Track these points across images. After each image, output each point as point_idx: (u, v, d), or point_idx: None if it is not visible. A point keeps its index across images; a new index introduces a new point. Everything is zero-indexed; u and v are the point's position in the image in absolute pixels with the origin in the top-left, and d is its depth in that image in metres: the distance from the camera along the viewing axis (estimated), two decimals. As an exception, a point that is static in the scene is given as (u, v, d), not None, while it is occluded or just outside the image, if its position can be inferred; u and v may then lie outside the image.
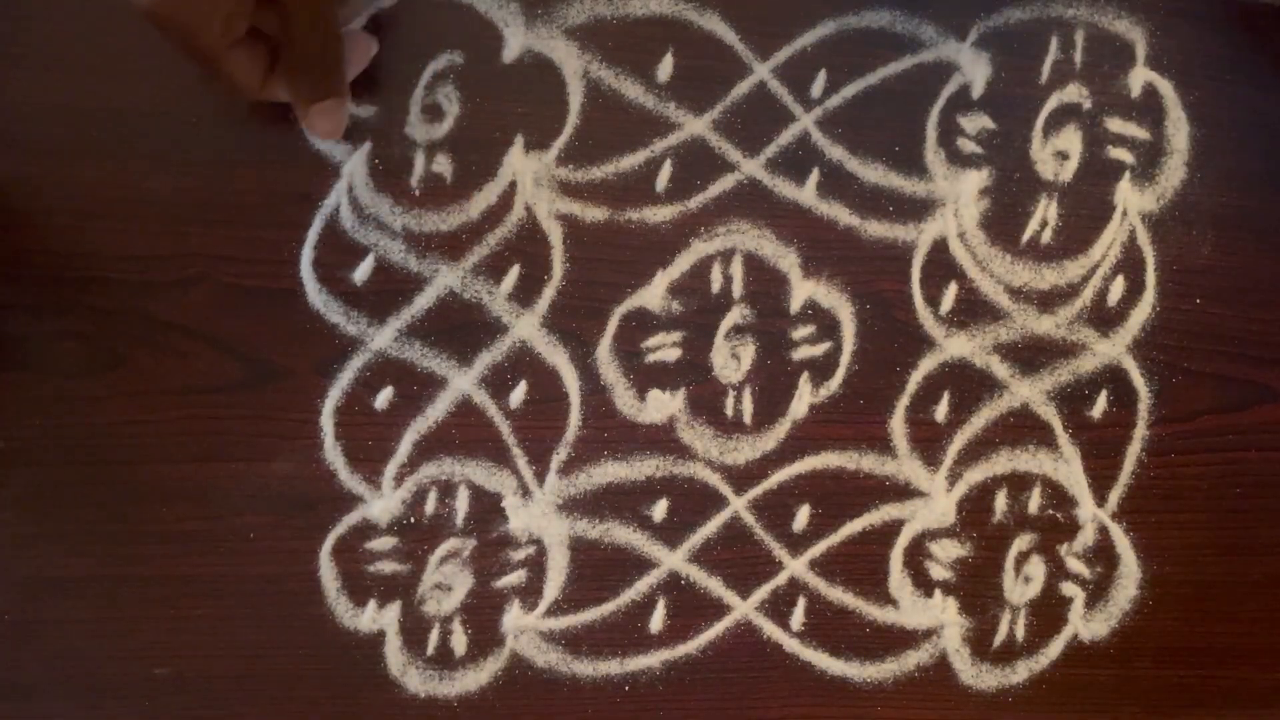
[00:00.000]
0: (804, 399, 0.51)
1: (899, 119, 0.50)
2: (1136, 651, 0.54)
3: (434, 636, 0.49)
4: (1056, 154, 0.51)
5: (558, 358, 0.49)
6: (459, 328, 0.48)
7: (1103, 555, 0.53)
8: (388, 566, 0.49)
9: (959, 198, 0.51)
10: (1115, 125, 0.51)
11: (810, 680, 0.52)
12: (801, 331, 0.51)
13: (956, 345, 0.51)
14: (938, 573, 0.52)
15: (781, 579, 0.51)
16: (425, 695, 0.50)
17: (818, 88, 0.49)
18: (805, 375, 0.51)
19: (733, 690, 0.52)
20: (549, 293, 0.49)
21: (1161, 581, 0.54)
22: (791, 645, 0.52)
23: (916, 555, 0.52)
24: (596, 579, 0.50)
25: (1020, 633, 0.53)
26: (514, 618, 0.50)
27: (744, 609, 0.51)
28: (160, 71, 0.45)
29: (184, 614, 0.48)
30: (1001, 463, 0.52)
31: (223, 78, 0.41)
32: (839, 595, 0.52)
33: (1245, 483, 0.54)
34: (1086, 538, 0.53)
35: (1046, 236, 0.52)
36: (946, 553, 0.52)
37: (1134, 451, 0.53)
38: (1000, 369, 0.52)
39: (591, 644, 0.51)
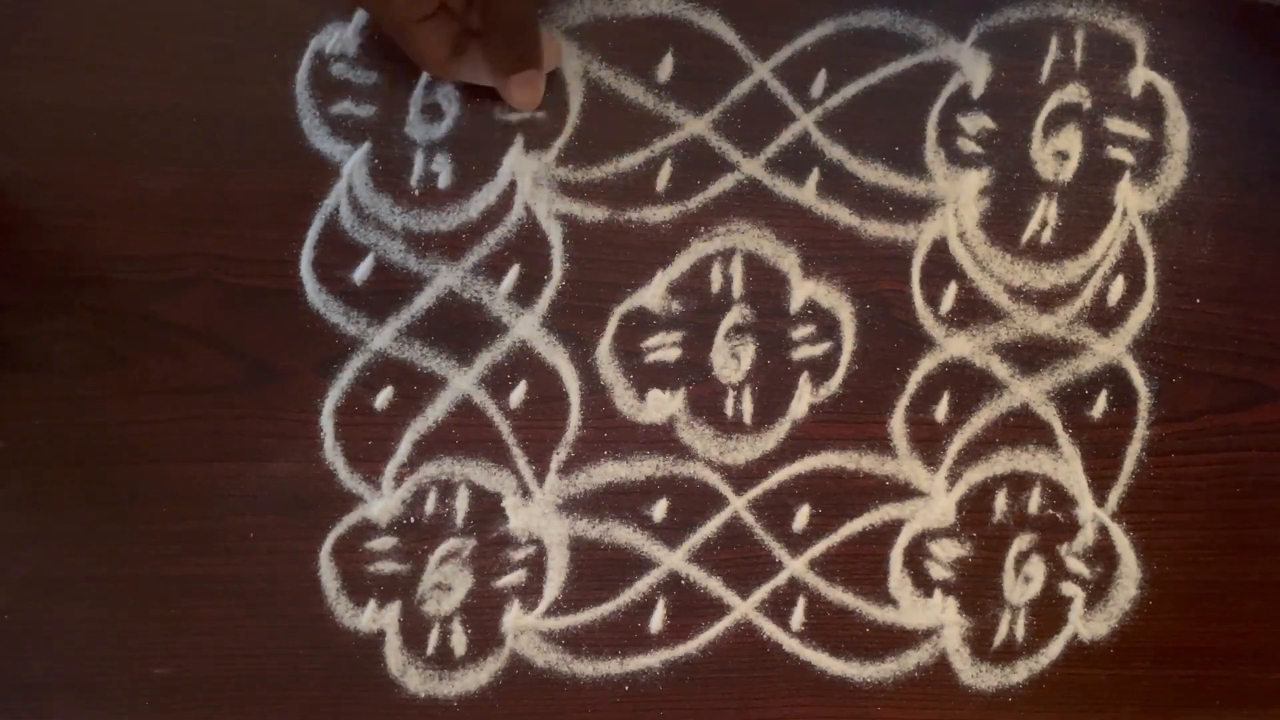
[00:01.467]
0: (804, 399, 0.51)
1: (899, 119, 0.50)
2: (1136, 651, 0.54)
3: (434, 636, 0.49)
4: (1056, 154, 0.51)
5: (558, 358, 0.49)
6: (459, 328, 0.48)
7: (1103, 555, 0.53)
8: (388, 566, 0.49)
9: (959, 198, 0.51)
10: (1115, 125, 0.51)
11: (810, 680, 0.52)
12: (801, 331, 0.51)
13: (956, 345, 0.51)
14: (938, 573, 0.52)
15: (781, 579, 0.51)
16: (425, 695, 0.50)
17: (818, 88, 0.49)
18: (805, 375, 0.51)
19: (733, 690, 0.52)
20: (549, 293, 0.49)
21: (1161, 581, 0.54)
22: (791, 645, 0.52)
23: (916, 555, 0.52)
24: (596, 579, 0.50)
25: (1020, 633, 0.53)
26: (514, 618, 0.50)
27: (744, 609, 0.51)
28: (160, 71, 0.45)
29: (184, 614, 0.48)
30: (1001, 463, 0.52)
31: (411, 51, 0.43)
32: (839, 595, 0.52)
33: (1245, 483, 0.54)
34: (1086, 538, 0.53)
35: (1046, 236, 0.52)
36: (946, 553, 0.52)
37: (1134, 451, 0.53)
38: (1000, 369, 0.52)
39: (591, 644, 0.51)
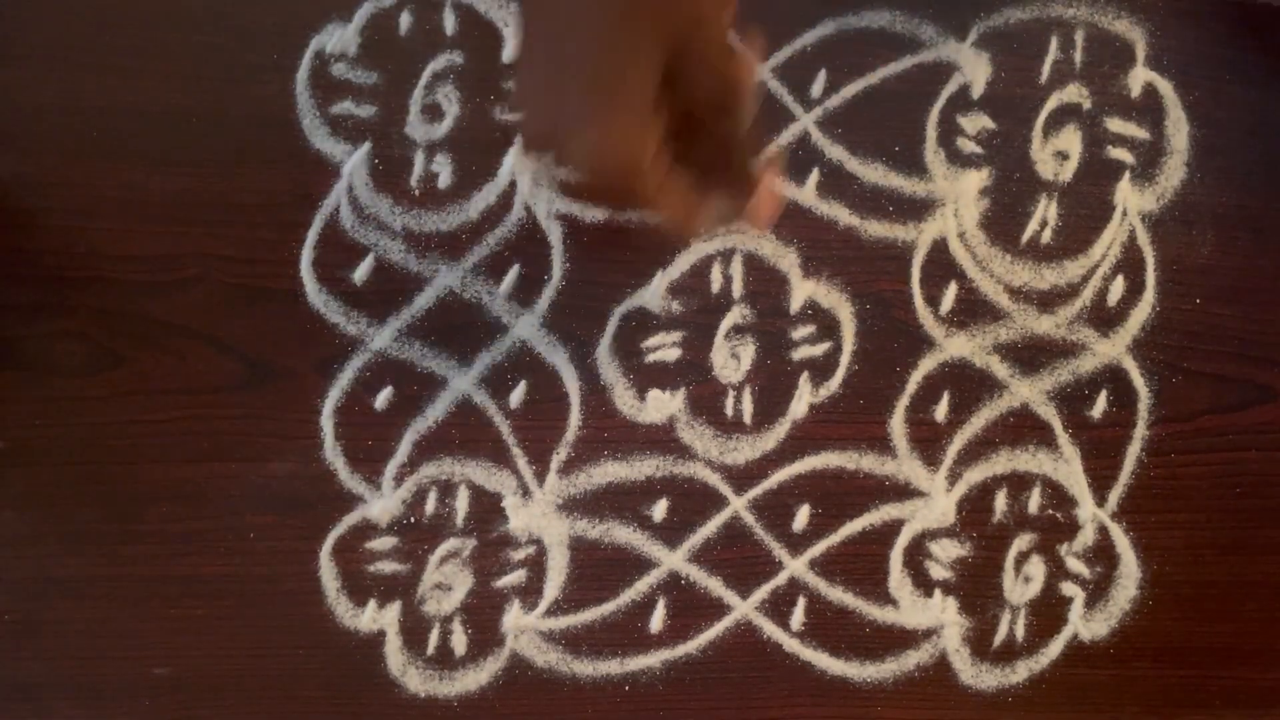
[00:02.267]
0: (804, 399, 0.51)
1: (899, 119, 0.50)
2: (1136, 651, 0.54)
3: (434, 636, 0.49)
4: (1056, 154, 0.51)
5: (558, 358, 0.49)
6: (459, 328, 0.48)
7: (1103, 555, 0.53)
8: (388, 566, 0.49)
9: (959, 198, 0.51)
10: (1115, 125, 0.51)
11: (810, 680, 0.52)
12: (801, 331, 0.51)
13: (956, 345, 0.51)
14: (938, 573, 0.52)
15: (781, 579, 0.51)
16: (425, 695, 0.50)
17: (818, 88, 0.49)
18: (805, 375, 0.51)
19: (733, 690, 0.52)
20: (549, 293, 0.49)
21: (1161, 581, 0.54)
22: (791, 645, 0.52)
23: (916, 555, 0.52)
24: (596, 579, 0.50)
25: (1020, 633, 0.53)
26: (514, 618, 0.50)
27: (744, 609, 0.51)
28: (160, 72, 0.45)
29: (184, 614, 0.48)
30: (1001, 463, 0.52)
31: (661, 221, 0.36)
32: (839, 595, 0.52)
33: (1245, 483, 0.54)
34: (1086, 538, 0.53)
35: (1046, 236, 0.52)
36: (946, 553, 0.52)
37: (1134, 451, 0.53)
38: (1000, 369, 0.52)
39: (591, 644, 0.51)
